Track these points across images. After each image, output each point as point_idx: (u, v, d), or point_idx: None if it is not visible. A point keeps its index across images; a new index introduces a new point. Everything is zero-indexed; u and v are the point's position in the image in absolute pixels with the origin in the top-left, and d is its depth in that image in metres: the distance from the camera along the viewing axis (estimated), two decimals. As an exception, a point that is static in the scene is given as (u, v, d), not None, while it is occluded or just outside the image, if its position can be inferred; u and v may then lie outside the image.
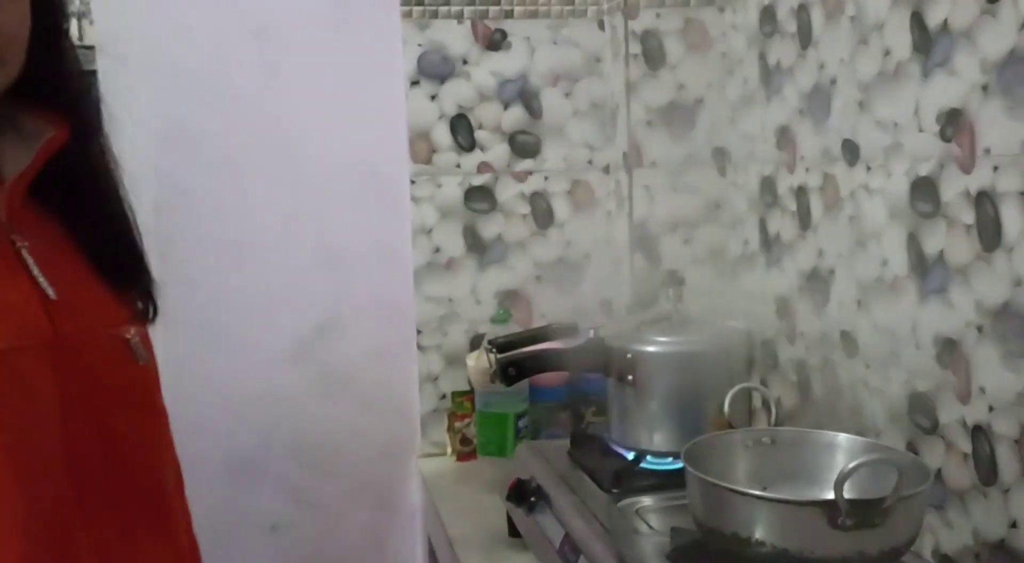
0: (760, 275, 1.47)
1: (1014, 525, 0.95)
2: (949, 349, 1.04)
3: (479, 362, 1.45)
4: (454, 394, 1.62)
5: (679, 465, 1.13)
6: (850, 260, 1.22)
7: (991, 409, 0.98)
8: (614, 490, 1.07)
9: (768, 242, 1.44)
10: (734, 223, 1.56)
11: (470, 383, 1.61)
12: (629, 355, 1.10)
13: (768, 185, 1.43)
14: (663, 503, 1.04)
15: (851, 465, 0.71)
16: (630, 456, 1.16)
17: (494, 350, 1.07)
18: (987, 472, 0.98)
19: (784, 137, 1.38)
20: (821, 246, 1.29)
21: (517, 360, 1.09)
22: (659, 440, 1.12)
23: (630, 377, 1.10)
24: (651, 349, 1.10)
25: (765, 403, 0.97)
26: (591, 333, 1.14)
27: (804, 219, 1.33)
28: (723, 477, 0.84)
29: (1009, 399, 0.95)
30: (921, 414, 1.09)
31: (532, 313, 1.65)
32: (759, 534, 0.75)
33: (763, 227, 1.46)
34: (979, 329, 0.99)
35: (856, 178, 1.20)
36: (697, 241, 1.58)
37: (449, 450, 1.62)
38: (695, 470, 0.82)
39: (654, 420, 1.11)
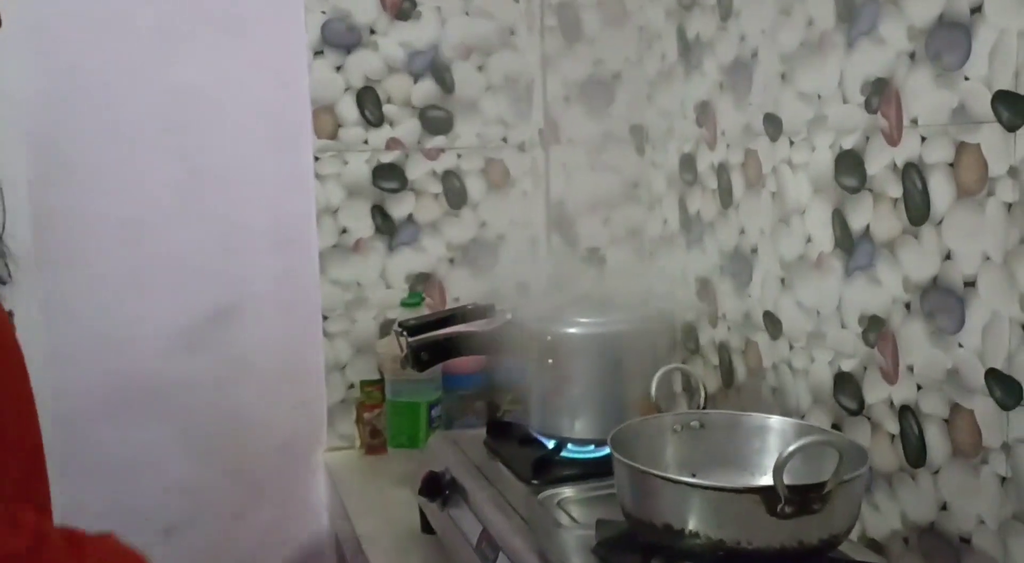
0: (680, 255, 1.43)
1: (944, 508, 0.92)
2: (876, 327, 1.01)
3: (390, 348, 1.36)
4: (363, 383, 1.53)
5: (603, 453, 1.09)
6: (773, 238, 1.19)
7: (919, 388, 0.95)
8: (534, 481, 1.01)
9: (688, 221, 1.40)
10: (653, 202, 1.52)
11: (380, 371, 1.53)
12: (548, 337, 1.04)
13: (688, 163, 1.39)
14: (586, 493, 0.98)
15: (790, 449, 0.66)
16: (550, 444, 1.10)
17: (405, 333, 1.00)
18: (916, 454, 0.95)
19: (704, 113, 1.34)
20: (743, 224, 1.26)
21: (430, 343, 1.01)
22: (581, 427, 1.06)
23: (550, 361, 1.04)
24: (572, 331, 1.04)
25: (692, 385, 0.92)
26: (508, 315, 1.07)
27: (725, 197, 1.29)
28: (652, 464, 0.78)
29: (938, 378, 0.92)
30: (847, 395, 1.06)
31: (446, 297, 1.58)
32: (692, 524, 0.70)
33: (683, 206, 1.42)
34: (907, 306, 0.96)
35: (779, 153, 1.16)
36: (616, 221, 1.53)
37: (358, 443, 1.53)
38: (623, 457, 0.76)
39: (575, 406, 1.05)
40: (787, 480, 0.68)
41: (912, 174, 0.94)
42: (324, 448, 1.56)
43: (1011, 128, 0.82)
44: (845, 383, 1.06)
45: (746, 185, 1.24)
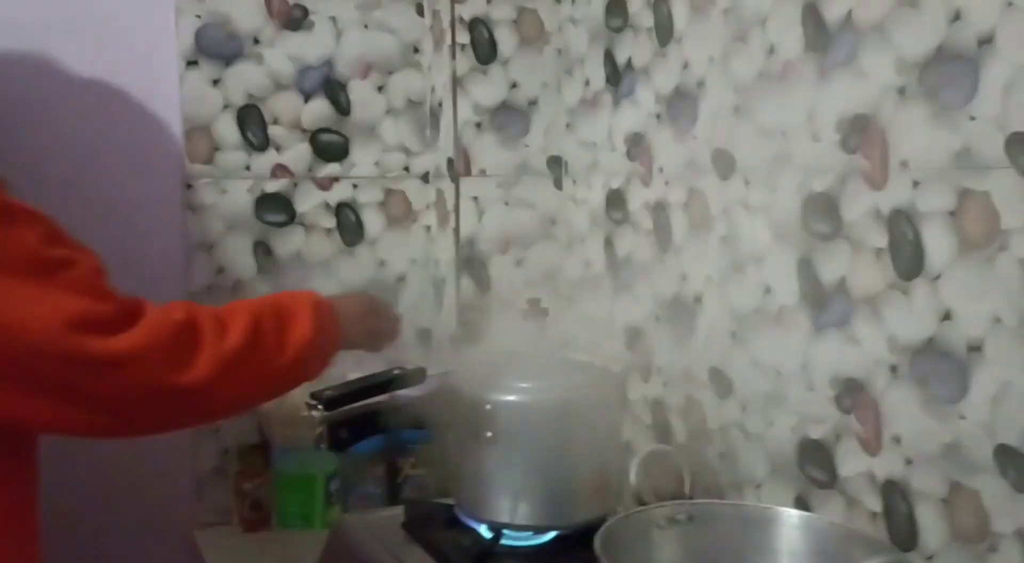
0: (605, 301, 1.30)
1: (940, 597, 0.82)
2: (852, 391, 0.90)
3: (278, 410, 1.16)
4: (241, 449, 1.31)
5: (543, 539, 0.93)
6: (722, 286, 1.07)
7: (908, 462, 0.85)
8: (473, 581, 0.84)
9: (616, 264, 1.27)
10: (572, 241, 1.38)
11: (262, 434, 1.32)
12: (488, 406, 0.87)
13: (616, 199, 1.26)
14: (534, 595, 0.82)
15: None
16: (482, 530, 0.93)
17: (320, 407, 0.81)
18: (904, 535, 0.85)
19: (637, 146, 1.22)
20: (685, 270, 1.14)
21: (351, 419, 0.83)
22: (522, 511, 0.90)
23: (488, 434, 0.87)
24: (516, 399, 0.88)
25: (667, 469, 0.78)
26: (438, 380, 0.90)
27: (663, 239, 1.17)
28: None
29: (933, 452, 0.82)
30: (815, 465, 0.95)
31: (338, 347, 1.38)
32: None
33: (610, 247, 1.29)
34: (892, 369, 0.86)
35: (731, 193, 1.05)
36: (531, 262, 1.38)
37: (235, 519, 1.31)
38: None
39: (516, 487, 0.89)
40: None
41: (901, 222, 0.84)
42: (194, 525, 1.32)
43: (1031, 175, 0.73)
44: (813, 451, 0.95)
45: (689, 227, 1.13)
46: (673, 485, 0.93)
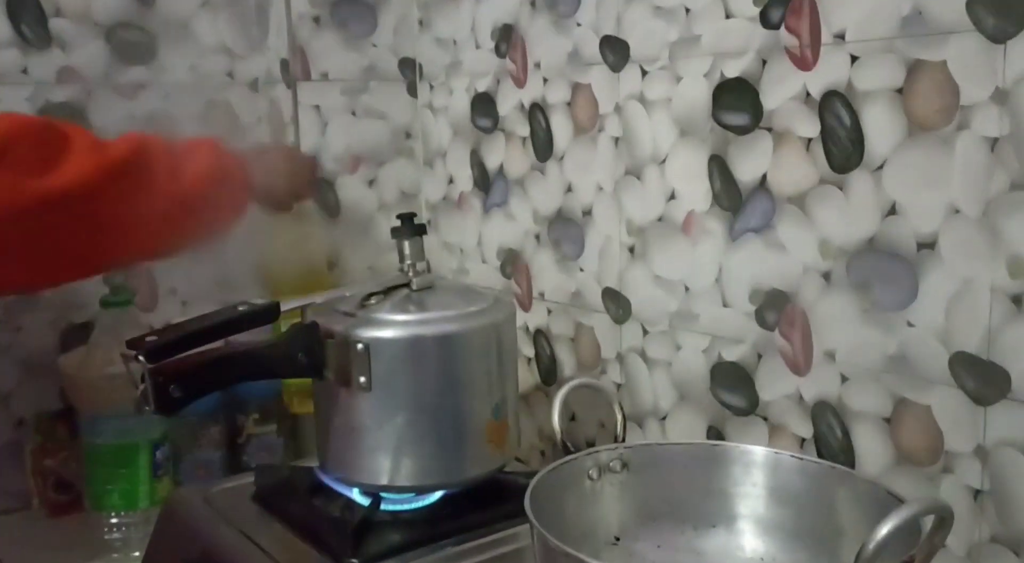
0: (474, 222, 1.15)
1: (884, 526, 0.73)
2: (776, 304, 0.80)
3: (85, 368, 0.94)
4: (39, 418, 1.07)
5: (425, 502, 0.78)
6: (616, 195, 0.94)
7: (844, 380, 0.75)
8: (353, 560, 0.68)
9: (486, 179, 1.12)
10: (431, 157, 1.21)
11: (66, 400, 1.08)
12: (360, 346, 0.70)
13: (484, 104, 1.10)
14: (431, 570, 0.67)
15: (884, 532, 0.40)
16: (355, 495, 0.77)
17: (140, 357, 0.61)
18: (840, 460, 0.75)
19: (507, 40, 1.05)
20: (570, 179, 1.00)
21: (183, 372, 0.63)
22: (404, 470, 0.74)
23: (362, 379, 0.70)
24: (392, 335, 0.71)
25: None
26: (304, 319, 0.72)
27: (543, 147, 1.02)
28: (573, 532, 0.49)
29: (874, 366, 0.72)
30: (730, 390, 0.84)
31: (157, 292, 1.15)
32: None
33: (477, 160, 1.13)
34: (825, 276, 0.75)
35: (624, 87, 0.91)
36: (384, 181, 1.20)
37: (36, 501, 1.08)
38: (552, 537, 0.46)
39: (400, 440, 0.73)
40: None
41: (835, 105, 0.73)
42: (-16, 515, 1.08)
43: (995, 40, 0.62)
44: (728, 375, 0.84)
45: (575, 130, 0.98)
46: (593, 428, 0.80)
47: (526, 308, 1.08)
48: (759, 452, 0.60)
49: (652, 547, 0.57)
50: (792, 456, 0.60)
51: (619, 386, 0.96)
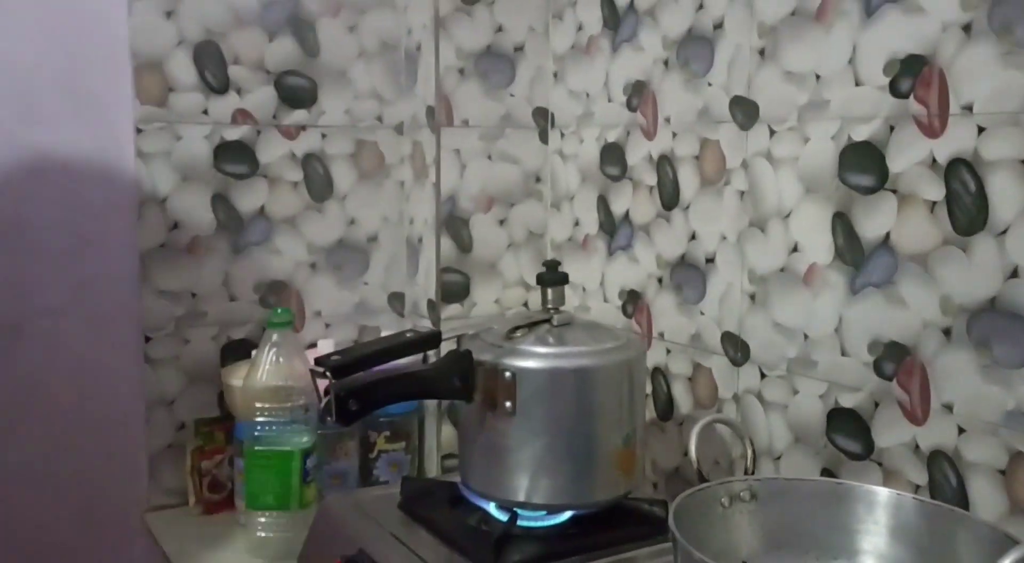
0: (598, 263, 1.22)
1: None
2: (895, 356, 0.84)
3: (249, 380, 1.04)
4: (198, 423, 1.19)
5: (556, 520, 0.85)
6: (740, 245, 1.00)
7: (961, 431, 0.79)
8: (495, 568, 0.75)
9: (612, 224, 1.19)
10: (558, 200, 1.29)
11: (223, 407, 1.20)
12: (508, 374, 0.78)
13: (613, 154, 1.18)
14: (566, 583, 0.74)
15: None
16: (496, 511, 0.84)
17: (328, 374, 0.70)
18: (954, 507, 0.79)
19: (639, 95, 1.13)
20: (694, 228, 1.06)
21: (361, 388, 0.72)
22: (539, 489, 0.81)
23: (508, 404, 0.78)
24: (536, 366, 0.79)
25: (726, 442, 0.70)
26: (455, 346, 0.80)
27: (669, 196, 1.09)
28: (710, 555, 0.55)
29: (992, 419, 0.76)
30: (847, 435, 0.89)
31: (304, 311, 1.27)
32: None
33: (603, 205, 1.20)
34: (945, 332, 0.80)
35: (752, 144, 0.97)
36: (514, 221, 1.29)
37: (192, 499, 1.19)
38: (699, 554, 0.52)
39: (537, 461, 0.80)
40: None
41: (961, 172, 0.77)
42: (144, 508, 1.20)
43: None
44: (844, 421, 0.89)
45: (701, 182, 1.05)
46: (708, 464, 0.86)
47: (646, 347, 1.14)
48: (882, 492, 0.65)
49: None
50: (914, 498, 0.65)
51: (732, 426, 1.01)
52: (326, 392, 0.71)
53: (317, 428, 1.07)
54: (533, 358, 0.79)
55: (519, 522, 0.82)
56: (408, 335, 0.76)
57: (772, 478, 0.69)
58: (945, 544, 0.60)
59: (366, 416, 0.74)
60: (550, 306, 0.85)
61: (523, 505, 0.82)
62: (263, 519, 1.05)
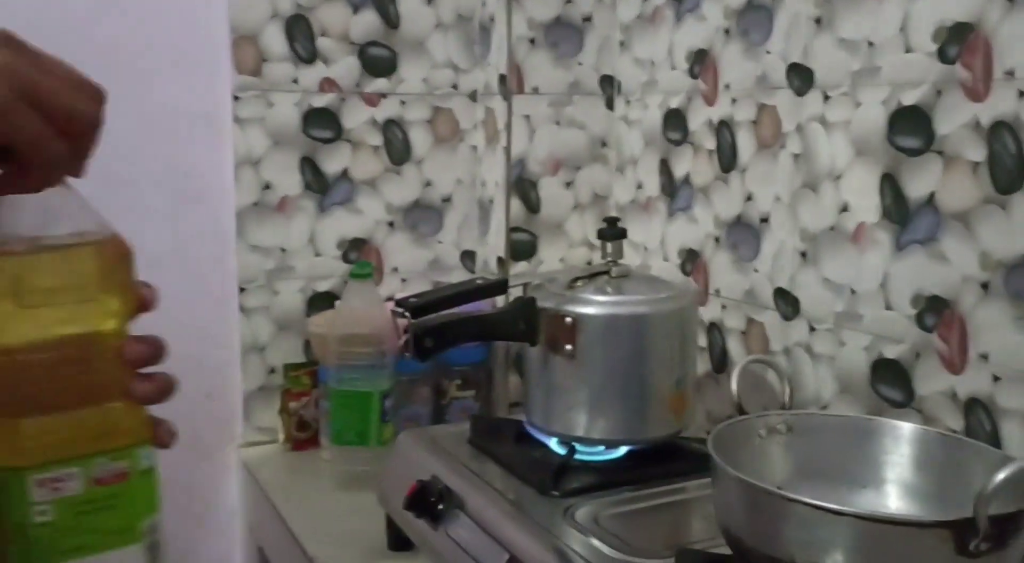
0: (659, 224, 1.28)
1: (1024, 512, 0.81)
2: (936, 309, 0.89)
3: (333, 328, 1.14)
4: (287, 367, 1.30)
5: (614, 455, 0.92)
6: (793, 206, 1.05)
7: (996, 379, 0.84)
8: (554, 492, 0.83)
9: (673, 186, 1.25)
10: (623, 164, 1.35)
11: (309, 354, 1.30)
12: (568, 319, 0.86)
13: (675, 119, 1.23)
14: (617, 508, 0.82)
15: (1001, 477, 0.51)
16: (553, 444, 0.93)
17: (407, 314, 0.79)
18: (988, 451, 0.84)
19: (702, 63, 1.18)
20: (750, 190, 1.12)
21: (435, 327, 0.81)
22: (596, 425, 0.89)
23: (568, 347, 0.86)
24: (595, 312, 0.87)
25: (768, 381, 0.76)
26: (520, 292, 0.89)
27: (727, 159, 1.15)
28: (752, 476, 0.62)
29: (1022, 368, 0.81)
30: (889, 384, 0.94)
31: (383, 266, 1.36)
32: (847, 566, 0.54)
33: (665, 169, 1.26)
34: (984, 286, 0.84)
35: (807, 109, 1.02)
36: (580, 184, 1.36)
37: (281, 437, 1.30)
38: (738, 473, 0.59)
39: (593, 400, 0.88)
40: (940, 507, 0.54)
41: (1002, 134, 0.82)
42: (238, 443, 1.32)
43: None
44: (887, 371, 0.94)
45: (758, 145, 1.10)
46: (757, 409, 0.92)
47: (702, 303, 1.21)
48: (907, 427, 0.70)
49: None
50: (937, 432, 0.71)
51: (784, 377, 1.07)
52: (405, 331, 0.80)
53: (394, 373, 1.17)
54: (591, 305, 0.87)
55: (577, 456, 0.90)
56: (478, 281, 0.84)
57: (807, 413, 0.76)
58: (962, 471, 0.65)
59: (440, 352, 0.83)
60: (609, 259, 0.92)
61: (581, 440, 0.90)
62: (344, 453, 1.15)
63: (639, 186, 1.32)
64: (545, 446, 0.93)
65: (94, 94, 0.50)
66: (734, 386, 0.73)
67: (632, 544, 0.73)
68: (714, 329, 1.19)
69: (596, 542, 0.73)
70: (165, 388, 0.54)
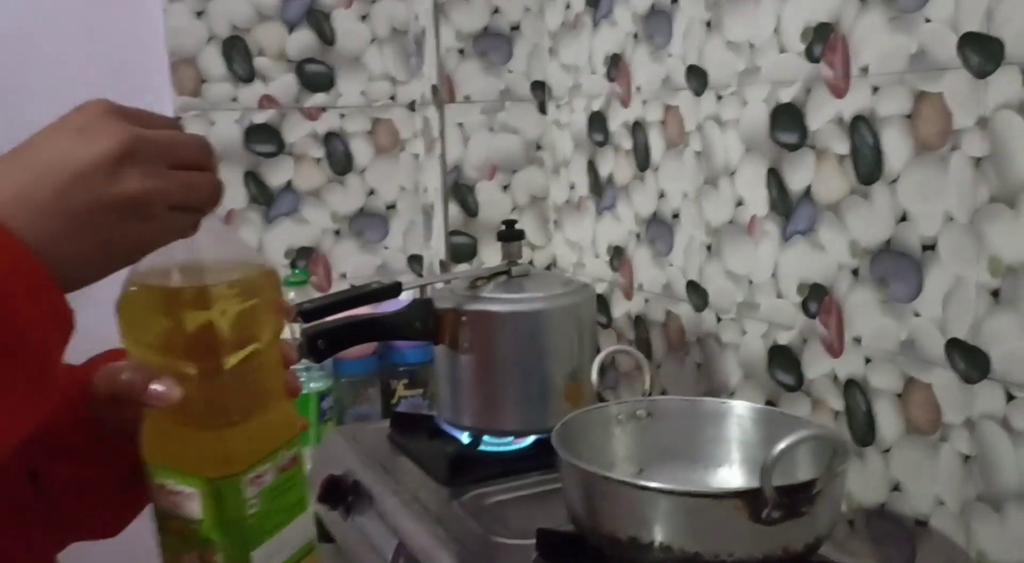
0: (590, 223, 1.33)
1: (897, 488, 0.86)
2: (817, 296, 0.93)
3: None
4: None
5: (522, 445, 0.97)
6: (698, 202, 1.10)
7: (868, 361, 0.88)
8: (451, 482, 0.88)
9: (599, 186, 1.30)
10: (558, 166, 1.40)
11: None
12: (464, 318, 0.91)
13: (598, 121, 1.28)
14: (512, 494, 0.87)
15: (781, 446, 0.56)
16: (464, 438, 0.98)
17: (299, 318, 0.85)
18: (863, 431, 0.88)
19: (616, 67, 1.23)
20: (663, 187, 1.16)
21: (328, 330, 0.87)
22: (499, 417, 0.94)
23: (465, 344, 0.91)
24: (490, 309, 0.92)
25: (628, 368, 0.81)
26: (416, 293, 0.94)
27: (642, 158, 1.19)
28: (597, 461, 0.67)
29: (890, 349, 0.85)
30: (783, 369, 0.98)
31: (331, 273, 1.42)
32: (662, 536, 0.59)
33: (592, 169, 1.31)
34: (854, 273, 0.89)
35: (704, 109, 1.07)
36: (517, 187, 1.41)
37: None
38: (572, 458, 0.64)
39: (494, 393, 0.93)
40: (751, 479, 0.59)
41: (861, 128, 0.86)
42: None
43: (980, 75, 0.74)
44: (781, 357, 0.99)
45: (666, 145, 1.15)
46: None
47: (629, 297, 1.25)
48: (748, 406, 0.75)
49: (670, 480, 0.73)
50: (770, 410, 0.75)
51: (699, 365, 1.11)
52: (301, 334, 0.86)
53: (333, 375, 1.23)
54: (486, 303, 0.92)
55: (484, 447, 0.95)
56: (372, 285, 0.89)
57: (664, 398, 0.80)
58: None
59: (334, 354, 0.88)
60: (509, 259, 0.97)
61: (488, 431, 0.96)
62: (290, 452, 1.21)
63: (572, 186, 1.37)
64: (457, 440, 0.98)
65: (187, 133, 0.52)
66: (594, 376, 0.77)
67: (510, 526, 0.78)
68: (640, 322, 1.23)
69: (474, 524, 0.78)
70: (298, 383, 0.62)
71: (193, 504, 0.55)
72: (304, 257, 1.41)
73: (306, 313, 0.83)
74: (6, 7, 1.23)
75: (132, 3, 1.29)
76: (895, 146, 0.83)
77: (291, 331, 0.88)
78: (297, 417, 0.62)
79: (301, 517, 0.60)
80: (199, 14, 1.31)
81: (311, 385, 1.20)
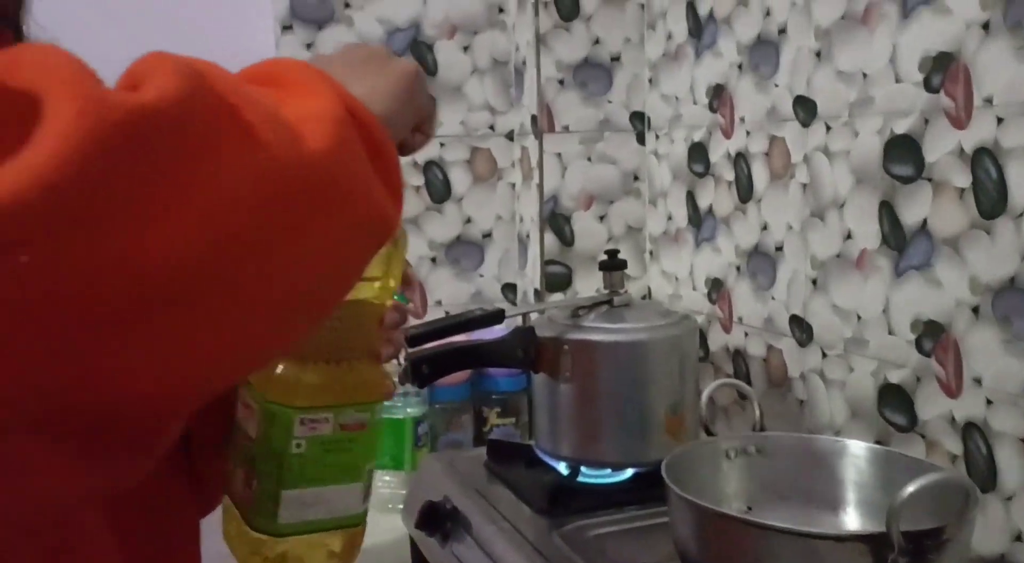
0: (687, 255, 1.31)
1: (1019, 538, 0.81)
2: (933, 334, 0.90)
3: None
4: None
5: (620, 477, 0.96)
6: (803, 234, 1.07)
7: (989, 403, 0.84)
8: (550, 512, 0.87)
9: (698, 217, 1.28)
10: (655, 197, 1.39)
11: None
12: (565, 347, 0.90)
13: (698, 152, 1.27)
14: (611, 527, 0.86)
15: (911, 489, 0.54)
16: (562, 468, 0.97)
17: (404, 344, 0.86)
18: (983, 477, 0.84)
19: (719, 97, 1.22)
20: (766, 219, 1.14)
21: (431, 356, 0.87)
22: (600, 449, 0.93)
23: (566, 373, 0.91)
24: (593, 339, 0.91)
25: (738, 403, 0.79)
26: (518, 321, 0.94)
27: (744, 190, 1.18)
28: (705, 497, 0.66)
29: (1013, 391, 0.81)
30: (894, 409, 0.95)
31: (427, 300, 1.44)
32: (778, 578, 0.57)
33: (691, 200, 1.30)
34: (974, 310, 0.85)
35: (812, 140, 1.05)
36: (614, 217, 1.40)
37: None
38: (685, 493, 0.63)
39: (594, 424, 0.92)
40: (876, 523, 0.56)
41: (984, 160, 0.83)
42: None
43: (1118, 105, 0.71)
44: (892, 396, 0.95)
45: (770, 176, 1.13)
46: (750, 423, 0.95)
47: (728, 330, 1.23)
48: (863, 446, 0.72)
49: (783, 519, 0.71)
50: (888, 450, 0.72)
51: (801, 402, 1.08)
52: (405, 358, 0.87)
53: (429, 401, 1.23)
54: (588, 332, 0.91)
55: (582, 479, 0.94)
56: (476, 312, 0.90)
57: (776, 434, 0.78)
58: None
59: (437, 379, 0.89)
60: (611, 288, 0.97)
61: (585, 463, 0.95)
62: (385, 477, 1.22)
63: (669, 218, 1.36)
64: (555, 470, 0.98)
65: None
66: (703, 408, 0.76)
67: (613, 561, 0.77)
68: (739, 356, 1.21)
69: (577, 557, 0.77)
70: (399, 348, 0.63)
71: (252, 422, 0.56)
72: (401, 284, 1.42)
73: (412, 339, 0.84)
74: (118, 42, 1.29)
75: (245, 34, 1.34)
76: (1022, 180, 0.79)
77: (398, 358, 0.89)
78: (382, 385, 0.60)
79: (352, 485, 0.59)
80: (308, 46, 1.35)
81: (407, 410, 1.21)
